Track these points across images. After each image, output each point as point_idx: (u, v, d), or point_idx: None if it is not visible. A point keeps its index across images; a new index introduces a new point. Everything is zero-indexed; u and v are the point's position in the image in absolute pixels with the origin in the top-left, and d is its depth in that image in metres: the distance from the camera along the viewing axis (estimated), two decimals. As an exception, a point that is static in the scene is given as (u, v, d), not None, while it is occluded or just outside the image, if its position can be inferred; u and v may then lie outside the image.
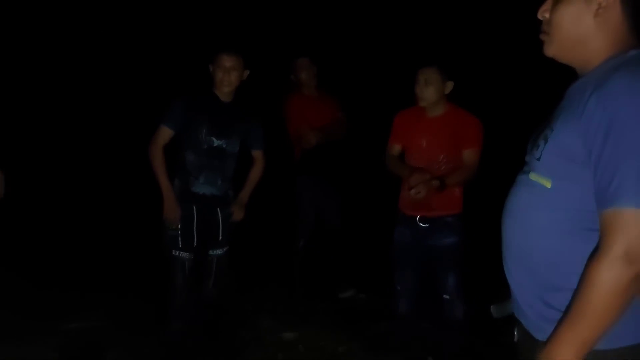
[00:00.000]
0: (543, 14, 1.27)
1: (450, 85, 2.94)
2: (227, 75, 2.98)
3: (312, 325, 3.46)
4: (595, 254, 1.09)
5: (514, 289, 1.32)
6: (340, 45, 6.03)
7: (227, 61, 2.98)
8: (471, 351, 3.03)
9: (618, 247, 1.04)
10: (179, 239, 3.06)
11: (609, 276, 1.05)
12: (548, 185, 1.21)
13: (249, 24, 6.33)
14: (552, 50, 1.28)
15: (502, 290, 1.42)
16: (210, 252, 3.20)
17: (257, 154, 3.26)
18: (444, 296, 2.97)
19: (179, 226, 3.05)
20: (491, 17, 5.33)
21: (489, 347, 3.07)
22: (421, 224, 2.99)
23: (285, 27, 6.17)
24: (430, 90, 2.91)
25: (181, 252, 3.08)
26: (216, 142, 3.03)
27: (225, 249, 3.23)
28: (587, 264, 1.10)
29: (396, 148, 3.11)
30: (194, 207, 3.06)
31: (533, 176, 1.25)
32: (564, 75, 1.33)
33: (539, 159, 1.22)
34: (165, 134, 3.01)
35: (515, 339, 1.38)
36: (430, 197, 2.83)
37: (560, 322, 1.14)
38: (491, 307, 1.55)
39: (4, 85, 5.32)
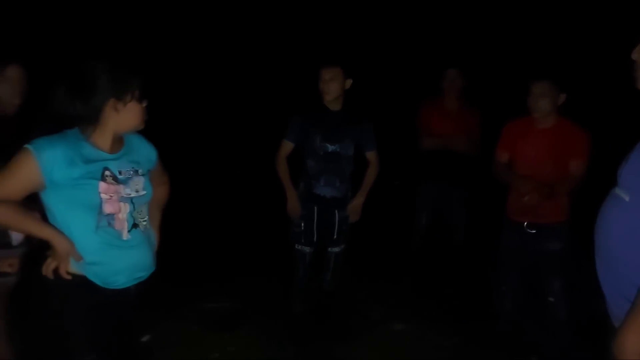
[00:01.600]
0: (634, 55, 1.49)
1: (562, 98, 3.03)
2: (327, 86, 3.25)
3: (419, 318, 3.66)
4: None
5: (602, 285, 1.54)
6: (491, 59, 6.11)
7: (326, 73, 3.25)
8: (574, 352, 3.12)
9: None
10: (302, 235, 3.47)
11: None
12: (627, 198, 1.43)
13: (406, 36, 6.71)
14: (639, 85, 1.50)
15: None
16: (329, 249, 3.53)
17: (370, 155, 3.47)
18: (549, 298, 3.11)
19: (302, 224, 3.46)
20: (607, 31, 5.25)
21: (593, 348, 3.13)
22: (528, 230, 3.14)
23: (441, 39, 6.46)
24: (544, 102, 3.02)
25: (303, 246, 3.47)
26: (330, 148, 3.32)
27: (342, 247, 3.54)
28: None
29: (504, 156, 3.25)
30: (315, 208, 3.41)
31: (617, 190, 1.48)
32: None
33: (620, 176, 1.45)
34: (287, 147, 3.38)
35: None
36: (540, 203, 2.98)
37: (627, 313, 1.35)
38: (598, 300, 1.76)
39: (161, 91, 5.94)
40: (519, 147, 3.18)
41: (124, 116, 1.85)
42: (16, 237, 2.52)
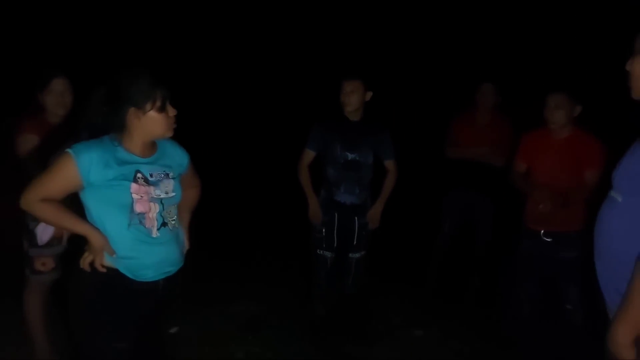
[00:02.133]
0: (627, 66, 1.58)
1: (578, 110, 3.11)
2: (347, 98, 3.40)
3: (440, 324, 3.74)
4: None
5: (600, 283, 1.62)
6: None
7: (347, 86, 3.40)
8: (592, 357, 3.15)
9: None
10: (323, 240, 3.59)
11: None
12: (619, 199, 1.52)
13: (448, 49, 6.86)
14: (634, 94, 1.60)
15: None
16: (350, 254, 3.64)
17: (389, 163, 3.59)
18: (566, 305, 3.16)
19: (323, 230, 3.58)
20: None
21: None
22: (545, 238, 3.21)
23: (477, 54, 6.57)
24: (559, 114, 3.11)
25: (324, 251, 3.60)
26: (350, 156, 3.46)
27: (362, 253, 3.65)
28: (636, 260, 1.39)
29: (522, 166, 3.34)
30: (336, 214, 3.55)
31: (612, 192, 1.57)
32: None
33: (614, 179, 1.53)
34: (309, 155, 3.53)
35: None
36: (555, 211, 3.05)
37: (618, 307, 1.43)
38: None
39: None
40: (536, 157, 3.27)
41: (146, 124, 1.99)
42: (41, 237, 2.70)
